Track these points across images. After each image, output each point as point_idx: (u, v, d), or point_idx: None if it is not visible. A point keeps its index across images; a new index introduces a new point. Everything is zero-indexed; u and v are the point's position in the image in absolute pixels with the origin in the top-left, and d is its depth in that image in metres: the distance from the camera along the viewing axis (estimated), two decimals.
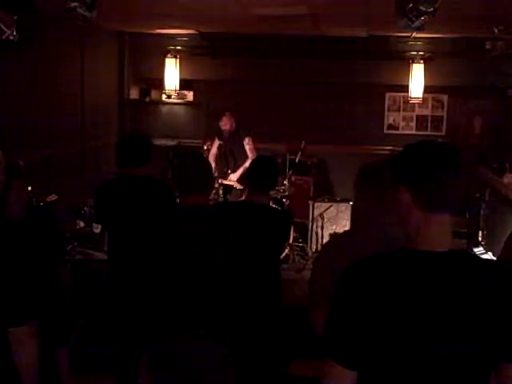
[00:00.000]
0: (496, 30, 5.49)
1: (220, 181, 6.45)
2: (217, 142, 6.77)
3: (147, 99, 8.47)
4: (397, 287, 1.52)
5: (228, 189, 6.47)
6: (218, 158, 6.79)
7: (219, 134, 6.71)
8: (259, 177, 3.48)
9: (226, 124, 6.55)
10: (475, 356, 1.52)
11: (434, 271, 1.52)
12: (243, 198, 5.42)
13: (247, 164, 6.23)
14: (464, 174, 1.57)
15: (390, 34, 7.41)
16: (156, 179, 3.53)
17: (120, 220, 3.37)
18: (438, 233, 1.56)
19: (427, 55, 7.65)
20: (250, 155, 6.44)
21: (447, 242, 1.56)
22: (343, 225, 6.57)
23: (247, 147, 6.55)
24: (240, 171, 6.54)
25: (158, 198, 3.40)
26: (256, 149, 6.64)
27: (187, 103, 8.41)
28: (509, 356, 1.54)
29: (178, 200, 2.99)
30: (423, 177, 1.55)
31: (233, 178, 6.60)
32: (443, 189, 1.54)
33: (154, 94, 8.46)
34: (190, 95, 8.40)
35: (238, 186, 6.44)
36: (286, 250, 6.27)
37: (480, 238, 6.02)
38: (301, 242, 6.72)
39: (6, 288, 2.06)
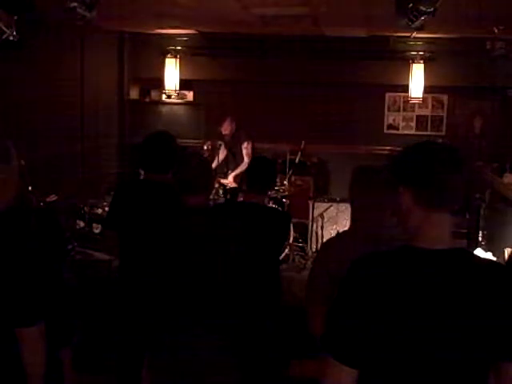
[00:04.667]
0: (496, 30, 5.49)
1: (220, 181, 6.48)
2: (217, 143, 6.82)
3: (147, 99, 8.47)
4: (397, 285, 1.53)
5: (232, 190, 6.49)
6: (224, 160, 6.86)
7: (220, 135, 6.76)
8: (257, 177, 3.47)
9: (226, 129, 6.66)
10: (475, 354, 1.53)
11: (433, 269, 1.53)
12: (241, 198, 5.43)
13: (243, 167, 6.30)
14: (464, 174, 1.57)
15: (389, 33, 7.41)
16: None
17: (133, 224, 3.31)
18: (437, 231, 1.57)
19: (427, 55, 7.65)
20: (246, 159, 6.55)
21: (447, 241, 1.57)
22: (343, 225, 6.57)
23: (244, 151, 6.66)
24: (238, 171, 6.62)
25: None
26: (256, 151, 6.71)
27: (187, 103, 8.41)
28: (508, 355, 1.54)
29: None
30: (424, 176, 1.56)
31: (229, 178, 6.68)
32: (443, 188, 1.55)
33: (153, 94, 8.46)
34: (190, 95, 8.39)
35: (232, 185, 6.49)
36: (286, 250, 6.27)
37: (480, 238, 6.02)
38: (301, 242, 6.72)
39: (16, 288, 2.07)
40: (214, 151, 6.83)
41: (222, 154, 6.80)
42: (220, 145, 6.81)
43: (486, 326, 1.51)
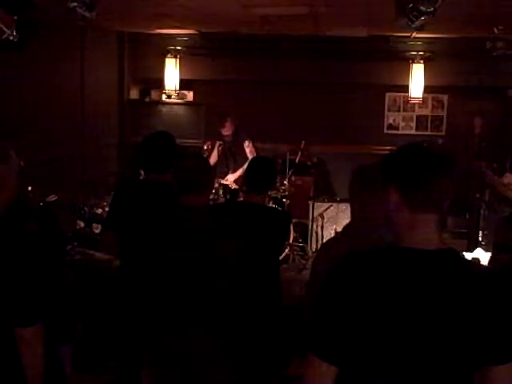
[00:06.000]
0: (496, 30, 5.49)
1: (220, 181, 6.47)
2: (217, 143, 6.77)
3: (147, 99, 8.47)
4: (380, 283, 1.53)
5: (232, 190, 6.48)
6: (219, 158, 6.79)
7: (220, 136, 6.71)
8: (257, 177, 3.47)
9: (227, 130, 6.56)
10: (457, 357, 1.51)
11: (417, 269, 1.53)
12: (241, 198, 5.43)
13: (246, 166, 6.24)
14: (452, 176, 1.57)
15: (390, 33, 7.41)
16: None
17: (133, 224, 3.31)
18: (424, 232, 1.57)
19: (427, 55, 7.65)
20: (250, 157, 6.44)
21: (434, 241, 1.57)
22: (343, 225, 6.53)
23: (247, 150, 6.57)
24: (239, 172, 6.56)
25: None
26: (256, 149, 6.65)
27: (187, 103, 8.41)
28: (492, 359, 1.52)
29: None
30: (411, 177, 1.56)
31: (230, 179, 6.62)
32: (430, 189, 1.55)
33: (153, 94, 8.46)
34: (189, 95, 8.40)
35: (234, 186, 6.46)
36: (286, 250, 6.27)
37: (480, 238, 6.02)
38: (301, 242, 6.72)
39: (15, 288, 2.07)
40: (213, 151, 6.79)
41: (214, 158, 6.72)
42: (220, 145, 6.77)
43: (470, 328, 1.49)
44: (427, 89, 7.69)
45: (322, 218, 6.68)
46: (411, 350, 1.51)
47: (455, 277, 1.53)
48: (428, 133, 8.08)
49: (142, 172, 4.32)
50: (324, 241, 6.50)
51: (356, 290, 1.54)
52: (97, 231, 5.64)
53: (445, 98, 8.07)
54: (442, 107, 8.11)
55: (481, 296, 1.51)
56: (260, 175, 3.48)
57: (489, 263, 2.68)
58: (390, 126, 8.23)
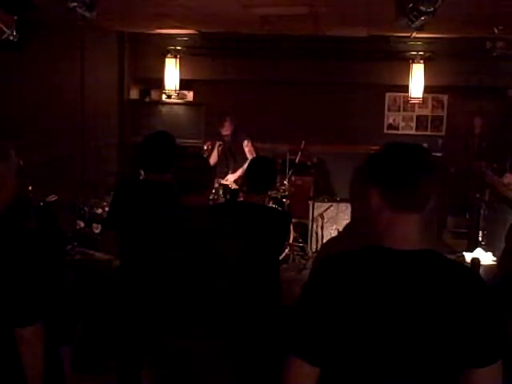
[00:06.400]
0: (496, 30, 5.49)
1: (220, 181, 6.47)
2: (217, 143, 6.78)
3: (147, 99, 8.47)
4: (360, 284, 1.52)
5: (232, 190, 6.48)
6: (219, 158, 6.80)
7: (219, 135, 6.72)
8: (257, 178, 3.47)
9: (227, 130, 6.59)
10: (438, 359, 1.49)
11: (397, 269, 1.53)
12: (241, 198, 5.43)
13: (246, 166, 6.25)
14: (434, 177, 1.56)
15: (390, 33, 7.41)
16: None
17: (133, 224, 3.31)
18: (405, 232, 1.56)
19: (427, 55, 7.65)
20: (250, 157, 6.45)
21: (415, 242, 1.56)
22: (343, 225, 6.55)
23: (246, 149, 6.59)
24: (239, 172, 6.57)
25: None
26: (256, 149, 6.66)
27: (187, 103, 8.41)
28: (474, 362, 1.50)
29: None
30: (391, 178, 1.56)
31: (230, 179, 6.63)
32: (411, 190, 1.54)
33: (153, 94, 8.46)
34: (189, 95, 8.40)
35: (234, 186, 6.46)
36: (286, 250, 6.28)
37: (480, 238, 6.03)
38: (301, 242, 6.73)
39: (14, 288, 2.07)
40: (213, 151, 6.80)
41: (214, 158, 6.73)
42: (220, 145, 6.78)
43: (451, 330, 1.48)
44: (427, 89, 7.68)
45: (322, 218, 6.68)
46: (390, 351, 1.50)
47: (435, 278, 1.52)
48: (428, 133, 8.08)
49: (142, 172, 4.33)
50: (324, 241, 6.52)
51: (336, 291, 1.54)
52: (97, 231, 5.64)
53: (445, 97, 8.07)
54: (442, 107, 8.11)
55: (461, 297, 1.50)
56: (260, 175, 3.48)
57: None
58: (390, 126, 8.23)
